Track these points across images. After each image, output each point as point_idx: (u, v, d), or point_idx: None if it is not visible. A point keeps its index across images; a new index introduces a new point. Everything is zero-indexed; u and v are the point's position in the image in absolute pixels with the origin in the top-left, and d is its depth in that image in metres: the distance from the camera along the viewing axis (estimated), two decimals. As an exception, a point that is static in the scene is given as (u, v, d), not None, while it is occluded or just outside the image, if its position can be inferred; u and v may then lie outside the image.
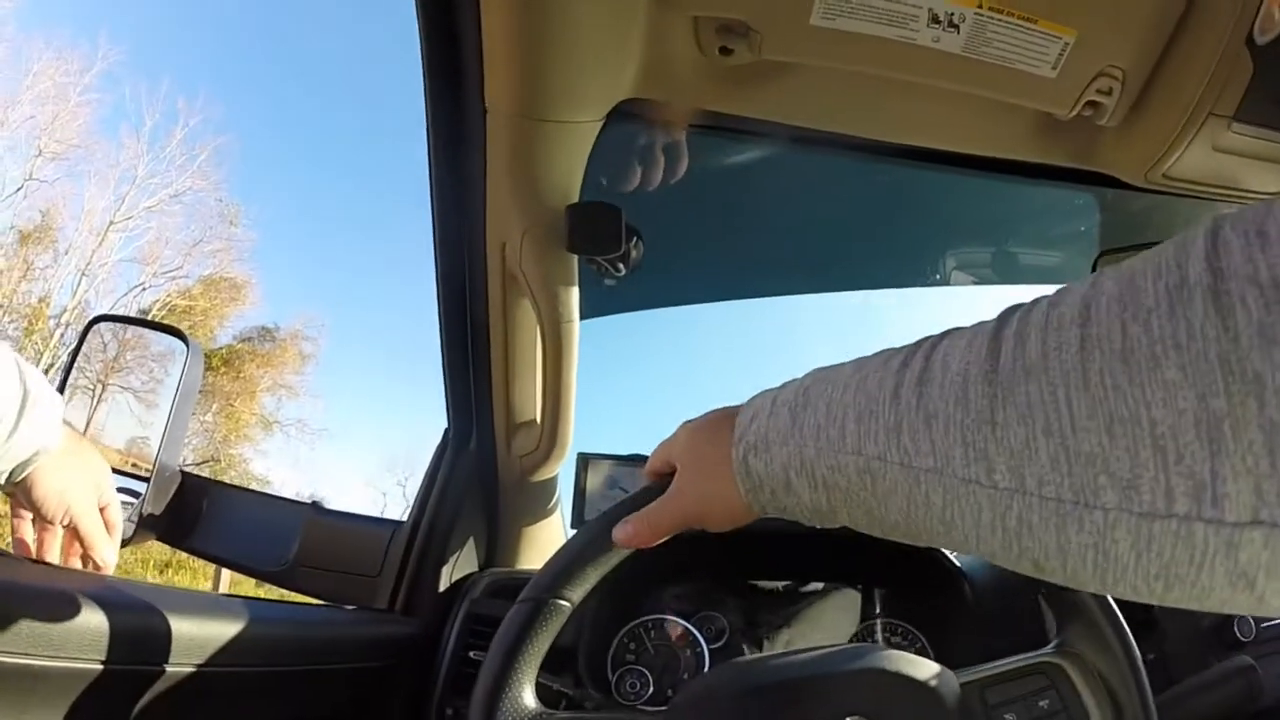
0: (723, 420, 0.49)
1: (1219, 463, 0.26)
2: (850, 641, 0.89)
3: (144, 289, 14.10)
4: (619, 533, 0.53)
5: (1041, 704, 0.58)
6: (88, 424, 1.40)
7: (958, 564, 0.87)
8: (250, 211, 15.06)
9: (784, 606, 0.91)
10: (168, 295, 14.16)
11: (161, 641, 0.57)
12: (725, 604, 0.90)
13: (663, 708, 0.60)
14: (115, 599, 0.54)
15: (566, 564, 0.56)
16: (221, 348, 14.30)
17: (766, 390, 0.47)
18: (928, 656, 0.87)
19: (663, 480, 0.53)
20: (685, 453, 0.51)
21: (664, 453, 0.54)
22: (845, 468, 0.39)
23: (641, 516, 0.52)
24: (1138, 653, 0.58)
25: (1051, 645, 0.61)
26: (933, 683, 0.56)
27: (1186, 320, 0.27)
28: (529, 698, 0.55)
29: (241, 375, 14.25)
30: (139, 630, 0.56)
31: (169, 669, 0.57)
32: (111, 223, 13.59)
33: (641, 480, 0.56)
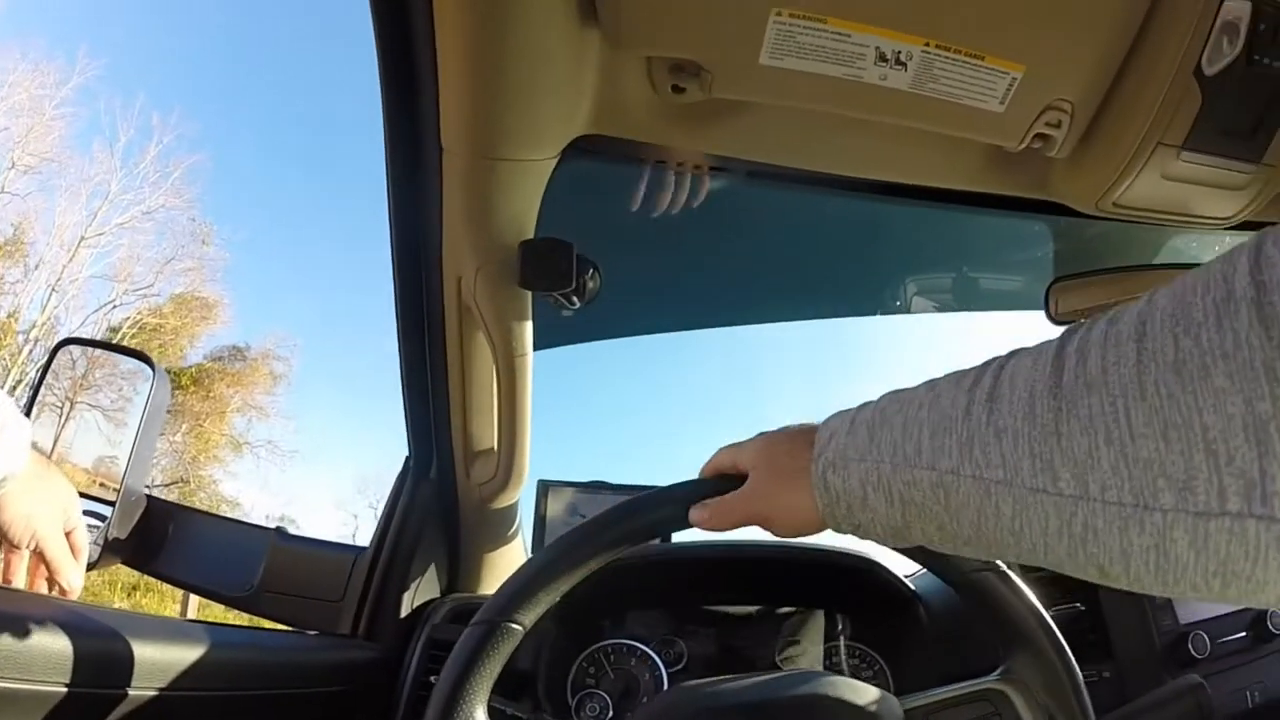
0: (800, 436, 0.51)
1: (1267, 462, 0.29)
2: (811, 665, 0.91)
3: (114, 306, 13.92)
4: (695, 514, 0.56)
5: None
6: (55, 442, 1.41)
7: (913, 588, 0.89)
8: (223, 231, 14.83)
9: (742, 632, 0.92)
10: (138, 313, 13.98)
11: (125, 665, 0.57)
12: (684, 629, 0.92)
13: None
14: (80, 624, 0.55)
15: (520, 588, 0.57)
16: (191, 366, 14.13)
17: (843, 410, 0.50)
18: (885, 678, 0.89)
19: (731, 480, 0.56)
20: (761, 460, 0.54)
21: (733, 455, 0.56)
22: (920, 482, 0.42)
23: (718, 505, 0.55)
24: (1081, 678, 0.59)
25: (997, 673, 0.62)
26: (874, 708, 0.57)
27: (1233, 331, 0.30)
28: (481, 714, 0.56)
29: (211, 395, 14.09)
30: (103, 654, 0.56)
31: (132, 693, 0.58)
32: (83, 238, 13.40)
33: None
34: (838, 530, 0.48)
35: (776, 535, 0.54)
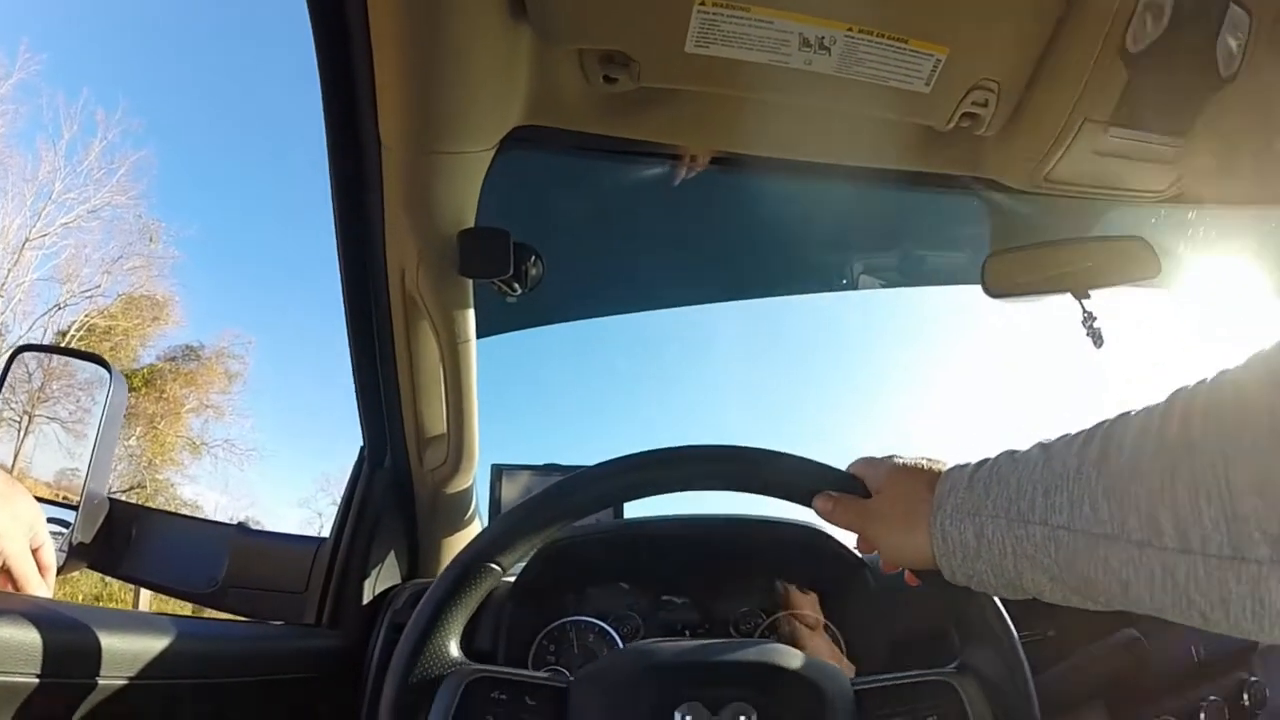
0: (924, 477, 0.55)
1: None
2: (766, 630, 0.94)
3: (61, 308, 13.29)
4: (821, 500, 0.60)
5: (930, 718, 0.58)
6: (15, 456, 1.40)
7: (859, 555, 0.91)
8: (172, 227, 14.21)
9: (698, 605, 0.95)
10: (87, 315, 13.36)
11: (94, 656, 0.59)
12: (640, 604, 0.94)
13: None
14: (49, 617, 0.57)
15: (502, 531, 0.60)
16: (143, 368, 13.61)
17: (962, 465, 0.54)
18: (838, 645, 0.92)
19: (858, 487, 0.59)
20: (887, 488, 0.58)
21: (866, 470, 0.60)
22: (1033, 536, 0.46)
23: (843, 502, 0.59)
24: (1030, 679, 0.58)
25: (954, 665, 0.61)
26: (825, 684, 0.58)
27: None
28: (453, 649, 0.58)
29: (165, 396, 13.58)
30: (72, 645, 0.58)
31: (101, 682, 0.59)
32: (27, 240, 12.79)
33: None
34: (951, 578, 0.52)
35: (880, 563, 0.59)
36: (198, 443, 13.86)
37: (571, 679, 0.59)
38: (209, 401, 14.17)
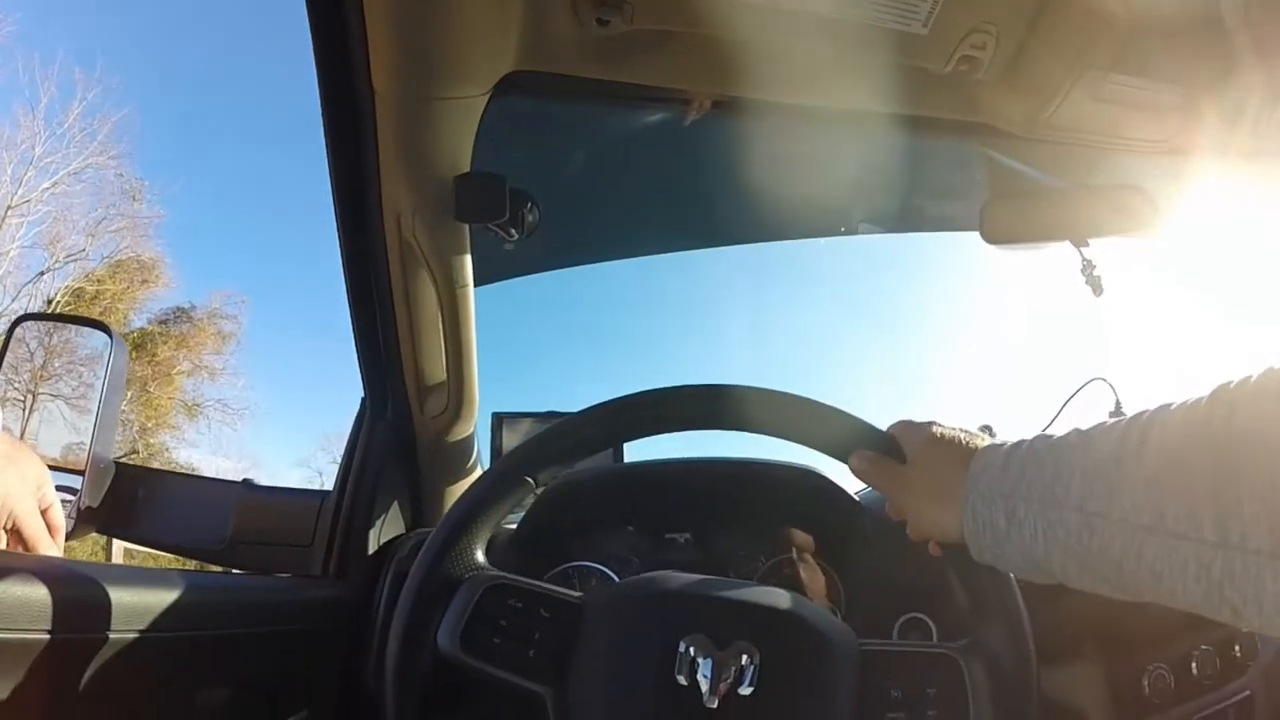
0: (960, 452, 0.55)
1: None
2: (766, 572, 0.95)
3: (44, 274, 12.82)
4: (857, 458, 0.61)
5: (929, 691, 0.57)
6: (22, 435, 1.40)
7: (857, 499, 0.93)
8: (155, 186, 13.59)
9: (700, 547, 0.96)
10: (74, 280, 12.98)
11: (104, 611, 0.59)
12: (640, 548, 0.95)
13: None
14: (58, 574, 0.57)
15: (542, 443, 0.62)
16: (133, 331, 13.13)
17: (997, 444, 0.54)
18: (835, 588, 0.93)
19: (894, 450, 0.60)
20: (922, 459, 0.58)
21: (905, 433, 0.60)
22: (1067, 522, 0.46)
23: (877, 462, 0.60)
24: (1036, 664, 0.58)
25: (964, 641, 0.60)
26: (832, 638, 0.58)
27: None
28: (479, 554, 0.59)
29: (156, 359, 13.17)
30: (82, 601, 0.58)
31: (112, 636, 0.60)
32: (9, 207, 12.33)
33: None
34: (979, 558, 0.53)
35: (909, 530, 0.59)
36: (192, 405, 13.61)
37: (585, 597, 0.60)
38: (202, 363, 13.84)
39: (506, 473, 0.61)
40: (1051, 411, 1.09)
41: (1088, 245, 1.03)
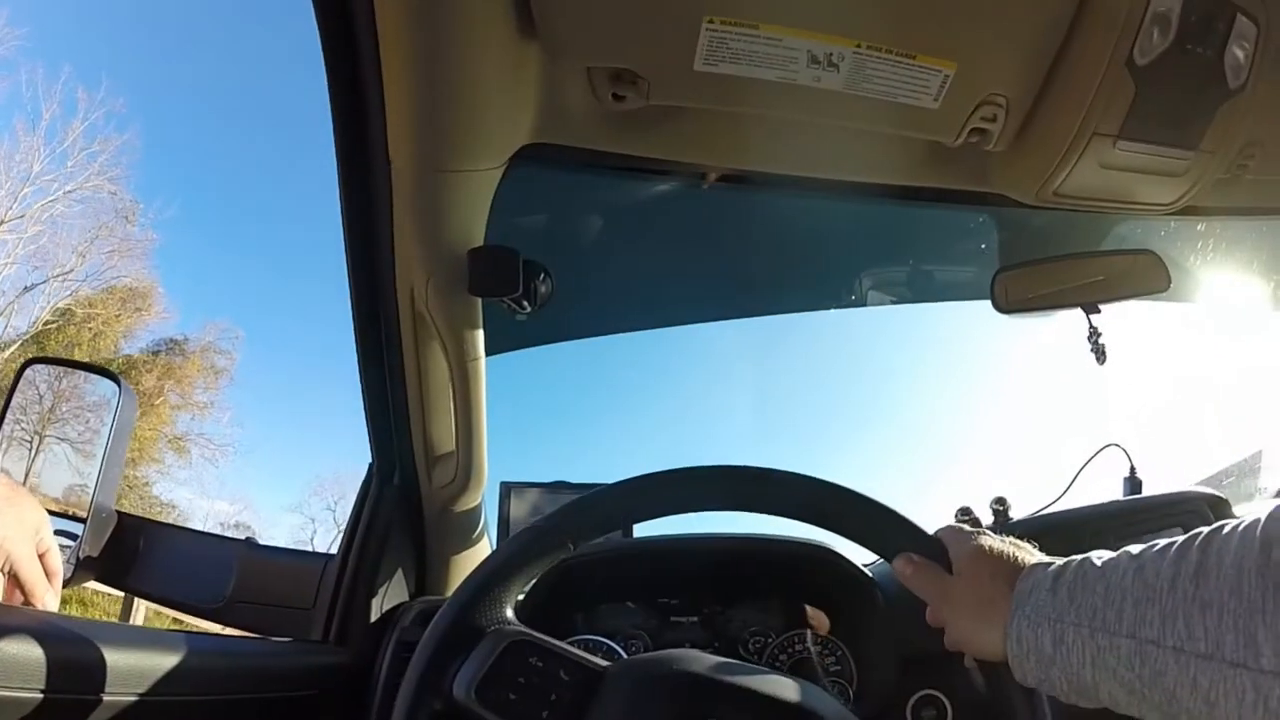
0: (1006, 570, 0.54)
1: None
2: (776, 649, 0.93)
3: (30, 290, 12.44)
4: (901, 561, 0.59)
5: None
6: (26, 475, 1.40)
7: (869, 574, 0.91)
8: (150, 209, 13.38)
9: (708, 624, 0.94)
10: (64, 301, 12.74)
11: (99, 671, 0.59)
12: (649, 624, 0.94)
13: None
14: (54, 632, 0.56)
15: (583, 507, 0.61)
16: (119, 358, 12.84)
17: (1044, 564, 0.52)
18: (847, 663, 0.92)
19: (941, 556, 0.59)
20: (970, 572, 0.56)
21: (952, 540, 0.59)
22: (1118, 649, 0.44)
23: (925, 575, 0.58)
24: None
25: None
26: None
27: None
28: (508, 609, 0.59)
29: (142, 388, 12.53)
30: (77, 661, 0.57)
31: (107, 698, 0.59)
32: (2, 222, 12.17)
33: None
34: (1022, 680, 0.51)
35: (945, 641, 0.58)
36: (180, 440, 13.28)
37: (608, 665, 0.59)
38: (191, 399, 13.47)
39: (548, 531, 0.60)
40: (1066, 479, 1.08)
41: (1099, 312, 1.03)
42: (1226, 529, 0.42)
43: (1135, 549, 0.47)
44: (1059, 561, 0.52)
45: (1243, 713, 0.39)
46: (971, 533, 0.59)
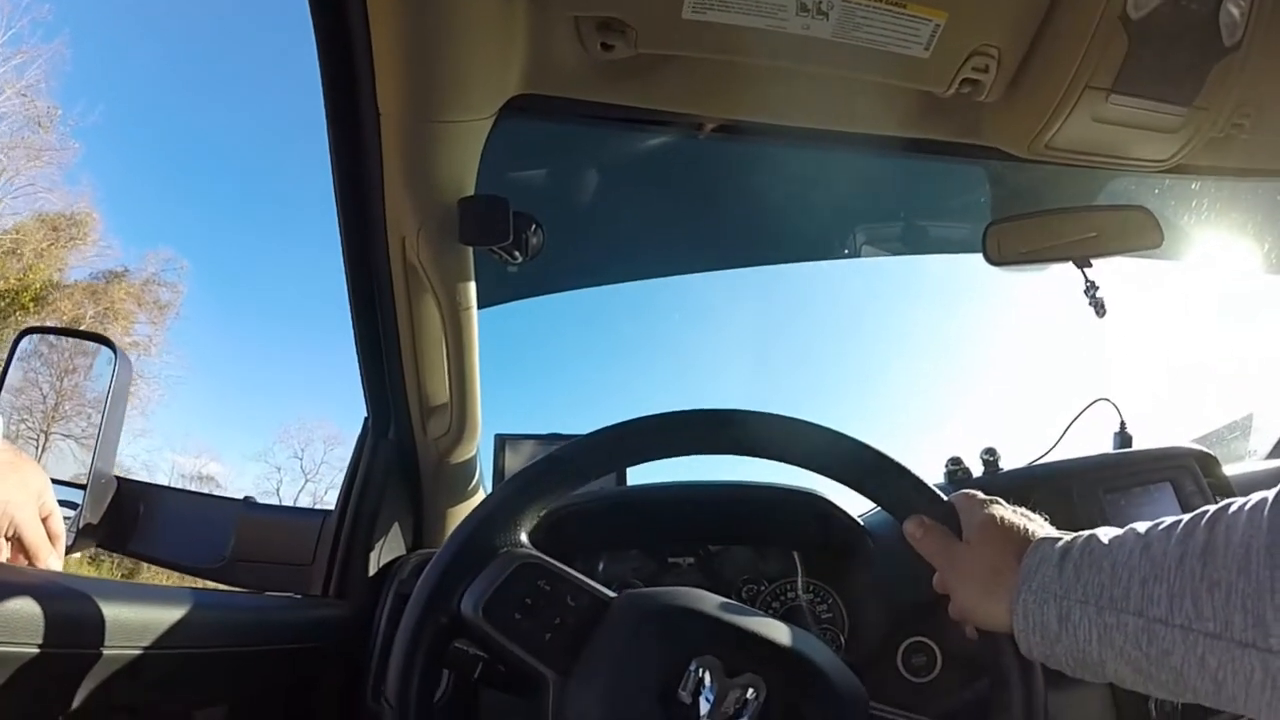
0: (1014, 543, 0.54)
1: None
2: (768, 596, 0.95)
3: None
4: (913, 523, 0.59)
5: None
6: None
7: (860, 522, 0.92)
8: (71, 115, 12.28)
9: (702, 570, 0.95)
10: None
11: (98, 626, 0.59)
12: (644, 571, 0.95)
13: None
14: (52, 588, 0.57)
15: (600, 441, 0.62)
16: (34, 284, 11.74)
17: (1050, 538, 0.52)
18: (839, 611, 0.93)
19: (954, 521, 0.59)
20: (980, 542, 0.56)
21: (965, 507, 0.59)
22: (1125, 626, 0.45)
23: (934, 539, 0.58)
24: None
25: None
26: (844, 694, 0.57)
27: None
28: (523, 533, 0.60)
29: (80, 324, 11.28)
30: (76, 616, 0.58)
31: (106, 652, 0.60)
32: None
33: None
34: (1026, 654, 0.52)
35: (949, 609, 0.58)
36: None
37: (615, 595, 0.60)
38: (134, 337, 12.35)
39: (566, 460, 0.61)
40: (1057, 430, 1.09)
41: (1090, 266, 1.03)
42: (1233, 508, 0.43)
43: (1141, 526, 0.47)
44: (1066, 537, 0.52)
45: (1250, 692, 0.39)
46: (985, 500, 0.59)
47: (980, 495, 0.60)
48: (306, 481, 15.41)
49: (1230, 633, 0.39)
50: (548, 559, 0.59)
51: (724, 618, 0.59)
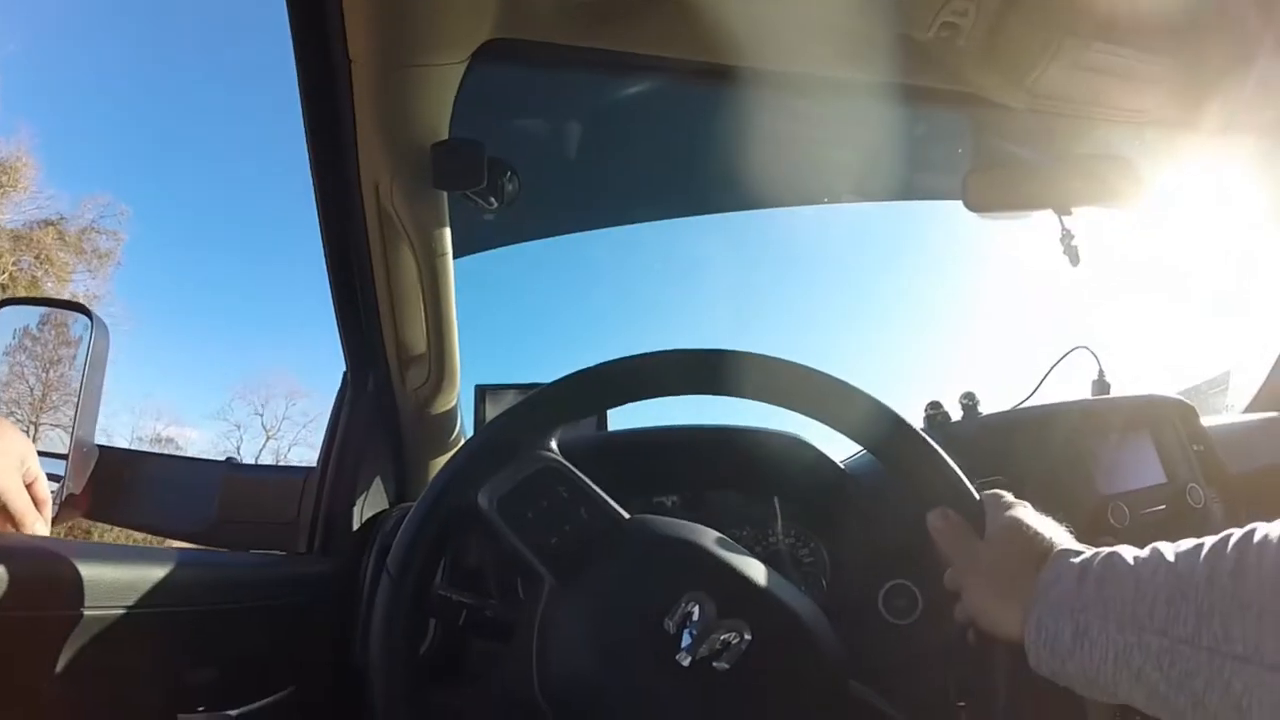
0: (1034, 550, 0.52)
1: None
2: (750, 540, 0.94)
3: None
4: (936, 517, 0.58)
5: None
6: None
7: (842, 467, 0.93)
8: None
9: (684, 516, 0.95)
10: None
11: (76, 587, 0.59)
12: (629, 511, 0.94)
13: None
14: (27, 550, 0.57)
15: (646, 363, 0.62)
16: None
17: (1072, 551, 0.51)
18: (820, 556, 0.94)
19: (977, 520, 0.57)
20: (1000, 544, 0.55)
21: (992, 506, 0.58)
22: (1147, 645, 0.43)
23: (955, 535, 0.57)
24: None
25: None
26: (829, 662, 0.58)
27: None
28: (553, 440, 0.60)
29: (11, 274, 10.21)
30: (53, 577, 0.58)
31: (87, 613, 0.59)
32: None
33: None
34: (1035, 668, 0.50)
35: (957, 611, 0.57)
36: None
37: (629, 518, 0.61)
38: (72, 289, 11.23)
39: (608, 376, 0.61)
40: (1035, 378, 1.10)
41: (1070, 215, 1.03)
42: (1261, 531, 0.41)
43: (1165, 545, 0.46)
44: (1086, 551, 0.51)
45: (1275, 717, 0.38)
46: (1014, 503, 0.58)
47: (1008, 496, 0.59)
48: (268, 439, 14.73)
49: (1261, 656, 0.38)
50: (573, 468, 0.60)
51: (727, 559, 0.59)
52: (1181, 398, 1.14)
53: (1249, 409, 1.37)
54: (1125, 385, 1.14)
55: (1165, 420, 1.10)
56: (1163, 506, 1.02)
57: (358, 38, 0.69)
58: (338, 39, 0.70)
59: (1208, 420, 1.15)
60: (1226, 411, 1.43)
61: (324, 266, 0.83)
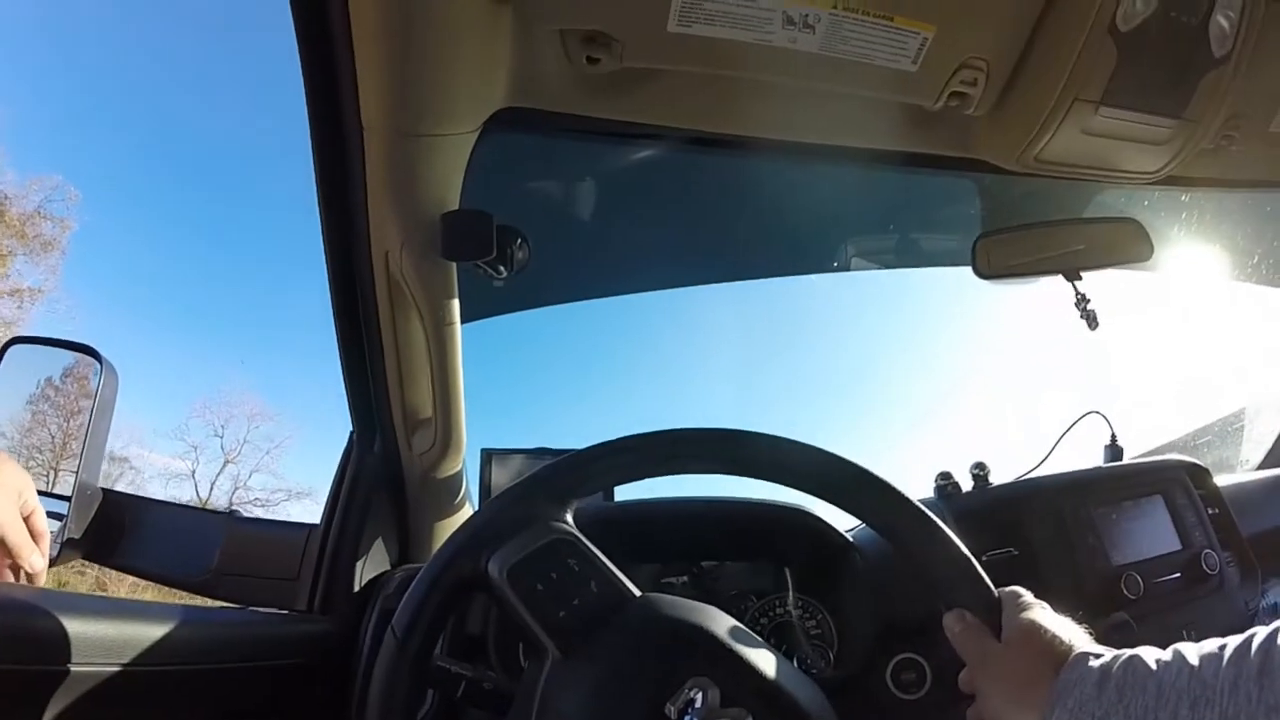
0: (1052, 654, 0.51)
1: None
2: (756, 613, 0.94)
3: None
4: (953, 619, 0.58)
5: None
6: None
7: (849, 538, 0.92)
8: None
9: (690, 588, 0.94)
10: None
11: (62, 642, 0.58)
12: (638, 585, 0.94)
13: None
14: (11, 602, 0.56)
15: (665, 439, 0.62)
16: None
17: (1092, 656, 0.49)
18: (827, 627, 0.92)
19: (994, 620, 0.57)
20: (1018, 646, 0.54)
21: (1010, 604, 0.57)
22: None
23: (972, 638, 0.56)
24: None
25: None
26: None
27: None
28: (568, 512, 0.60)
29: None
30: (53, 632, 0.57)
31: (74, 669, 0.58)
32: None
33: None
34: None
35: (969, 712, 0.57)
36: None
37: (639, 594, 0.59)
38: (13, 284, 9.86)
39: (626, 450, 0.61)
40: (1048, 441, 1.09)
41: (1080, 279, 1.03)
42: None
43: (1187, 647, 0.45)
44: (1106, 655, 0.49)
45: None
46: (1030, 603, 0.57)
47: (1026, 596, 0.58)
48: (227, 463, 13.56)
49: None
50: (585, 540, 0.59)
51: (734, 647, 0.58)
52: (1193, 459, 1.13)
53: (1263, 464, 1.36)
54: (1139, 440, 1.13)
55: (1178, 483, 1.09)
56: (1177, 575, 1.01)
57: (371, 106, 0.70)
58: (351, 106, 0.71)
59: (1221, 479, 1.14)
60: (1241, 467, 1.41)
61: (332, 327, 0.84)
